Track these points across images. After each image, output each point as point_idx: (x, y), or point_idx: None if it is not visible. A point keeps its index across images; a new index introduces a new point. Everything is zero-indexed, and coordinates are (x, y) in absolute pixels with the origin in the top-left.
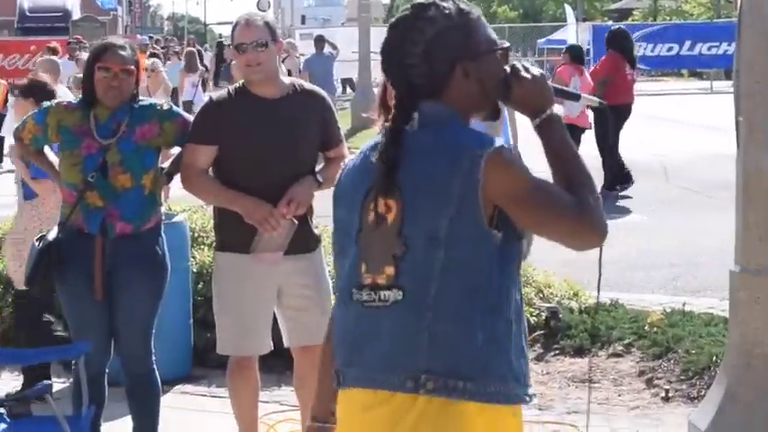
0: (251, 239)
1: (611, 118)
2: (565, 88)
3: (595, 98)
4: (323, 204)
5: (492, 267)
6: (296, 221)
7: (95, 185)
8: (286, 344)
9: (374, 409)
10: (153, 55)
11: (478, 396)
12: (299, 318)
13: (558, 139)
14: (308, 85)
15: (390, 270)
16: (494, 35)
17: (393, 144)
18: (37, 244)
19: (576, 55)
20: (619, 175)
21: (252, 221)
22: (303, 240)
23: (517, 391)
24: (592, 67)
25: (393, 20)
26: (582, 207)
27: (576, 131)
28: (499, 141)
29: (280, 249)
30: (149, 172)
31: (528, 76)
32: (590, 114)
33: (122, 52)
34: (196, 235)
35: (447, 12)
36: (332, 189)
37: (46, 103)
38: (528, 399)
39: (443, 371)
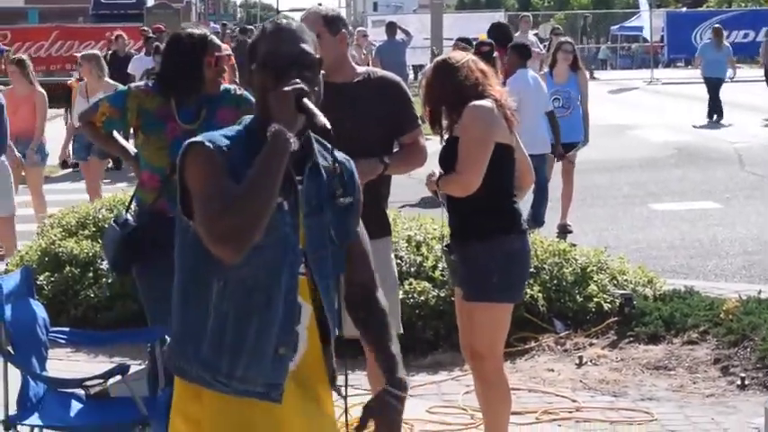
0: None
1: None
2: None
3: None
4: (393, 191)
5: (190, 256)
6: None
7: None
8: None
9: None
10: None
11: (171, 368)
12: None
13: (265, 150)
14: (381, 72)
15: None
16: (287, 51)
17: None
18: (117, 228)
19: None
20: None
21: None
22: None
23: (203, 374)
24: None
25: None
26: (219, 212)
27: None
28: (212, 136)
29: None
30: None
31: (279, 92)
32: None
33: (219, 43)
34: None
35: (264, 26)
36: (404, 176)
37: (121, 87)
38: (224, 387)
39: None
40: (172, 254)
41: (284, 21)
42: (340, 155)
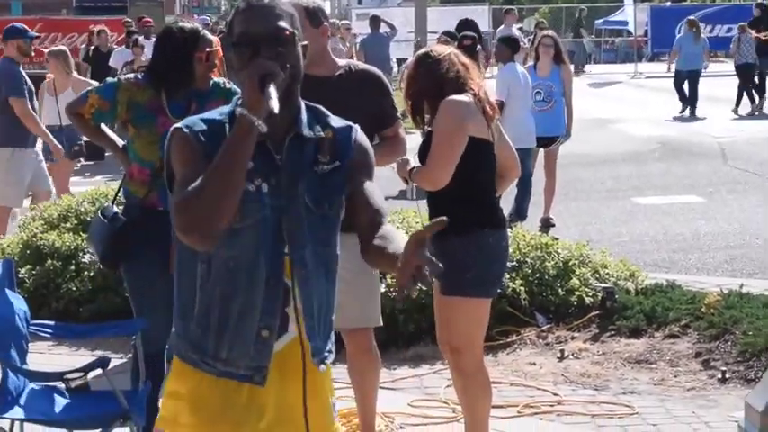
0: None
1: None
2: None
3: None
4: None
5: (176, 237)
6: None
7: None
8: None
9: None
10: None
11: (170, 346)
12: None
13: (230, 136)
14: (362, 66)
15: None
16: (259, 28)
17: None
18: (105, 221)
19: None
20: None
21: None
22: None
23: (192, 354)
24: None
25: None
26: (184, 201)
27: None
28: (191, 121)
29: None
30: None
31: (242, 74)
32: None
33: (211, 38)
34: None
35: (237, 5)
36: (386, 168)
37: (110, 79)
38: (210, 368)
39: None
40: (162, 248)
41: None
42: (338, 121)
